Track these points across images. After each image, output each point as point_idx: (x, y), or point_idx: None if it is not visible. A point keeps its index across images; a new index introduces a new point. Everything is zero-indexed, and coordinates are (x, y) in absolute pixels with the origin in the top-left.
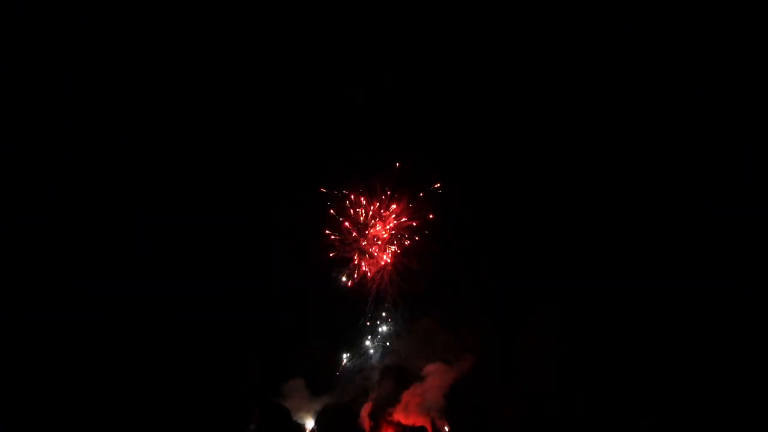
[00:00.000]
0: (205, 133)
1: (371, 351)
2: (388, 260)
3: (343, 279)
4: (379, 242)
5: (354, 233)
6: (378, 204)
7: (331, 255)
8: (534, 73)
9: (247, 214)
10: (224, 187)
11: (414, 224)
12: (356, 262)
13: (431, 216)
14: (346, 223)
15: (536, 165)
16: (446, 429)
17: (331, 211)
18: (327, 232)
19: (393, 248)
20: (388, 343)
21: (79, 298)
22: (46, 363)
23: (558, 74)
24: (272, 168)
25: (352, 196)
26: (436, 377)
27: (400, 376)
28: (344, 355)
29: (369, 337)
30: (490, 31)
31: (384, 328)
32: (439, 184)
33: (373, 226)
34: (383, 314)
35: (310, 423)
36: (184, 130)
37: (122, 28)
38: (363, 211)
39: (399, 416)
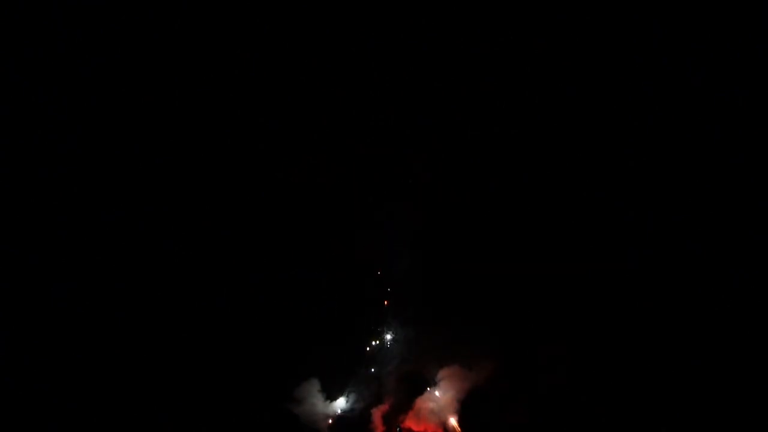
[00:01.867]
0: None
1: (387, 357)
2: None
3: None
4: None
5: None
6: None
7: None
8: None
9: (256, 212)
10: (229, 186)
11: None
12: None
13: None
14: None
15: (547, 171)
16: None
17: None
18: None
19: None
20: (404, 350)
21: (84, 297)
22: (53, 363)
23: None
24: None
25: None
26: (450, 382)
27: (415, 382)
28: (359, 362)
29: (385, 343)
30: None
31: (401, 335)
32: None
33: None
34: (400, 321)
35: (323, 428)
36: (187, 133)
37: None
38: None
39: (410, 423)
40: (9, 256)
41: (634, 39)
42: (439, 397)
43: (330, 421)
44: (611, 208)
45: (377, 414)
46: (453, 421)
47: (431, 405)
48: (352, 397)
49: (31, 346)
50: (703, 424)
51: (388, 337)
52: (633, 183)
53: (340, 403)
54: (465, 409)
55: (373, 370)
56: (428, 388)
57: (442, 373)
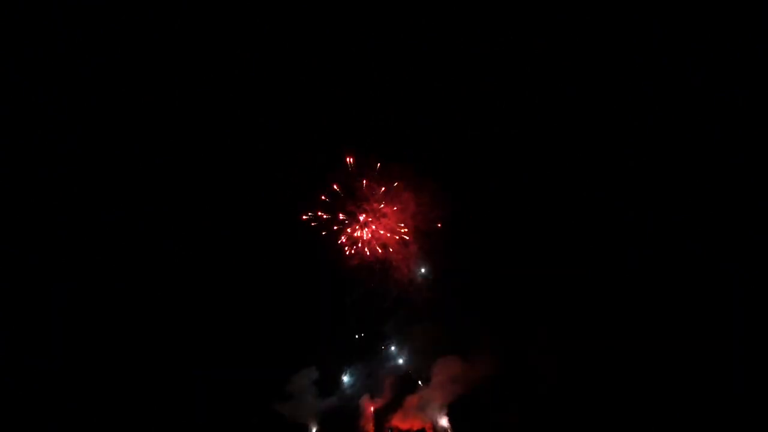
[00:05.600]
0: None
1: (382, 356)
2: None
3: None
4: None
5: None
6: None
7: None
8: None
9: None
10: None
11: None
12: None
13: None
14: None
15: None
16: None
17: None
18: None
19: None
20: (399, 349)
21: (85, 299)
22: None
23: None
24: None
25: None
26: (443, 376)
27: (407, 380)
28: (354, 360)
29: (381, 342)
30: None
31: (397, 335)
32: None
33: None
34: (396, 321)
35: (314, 425)
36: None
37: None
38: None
39: (397, 421)
40: (9, 256)
41: (634, 39)
42: (429, 394)
43: (320, 416)
44: (611, 208)
45: (368, 411)
46: (440, 417)
47: (419, 403)
48: (346, 393)
49: (29, 345)
50: (700, 424)
51: (388, 335)
52: (632, 183)
53: (333, 399)
54: (457, 406)
55: (368, 366)
56: (420, 385)
57: (436, 367)
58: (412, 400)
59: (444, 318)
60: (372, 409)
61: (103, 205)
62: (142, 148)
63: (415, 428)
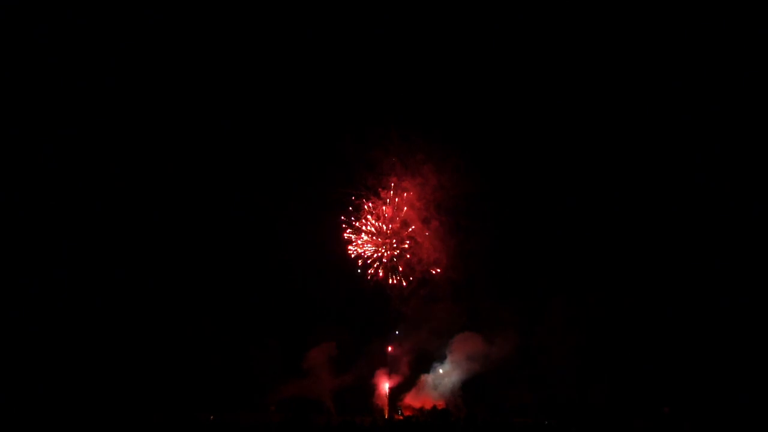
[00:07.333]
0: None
1: (399, 335)
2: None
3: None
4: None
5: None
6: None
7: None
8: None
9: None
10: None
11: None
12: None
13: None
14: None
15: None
16: (462, 408)
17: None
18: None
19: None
20: (418, 328)
21: (85, 299)
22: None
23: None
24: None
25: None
26: (458, 354)
27: (424, 359)
28: (372, 338)
29: (398, 322)
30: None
31: (416, 314)
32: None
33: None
34: (416, 300)
35: (328, 400)
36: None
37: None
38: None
39: (410, 399)
40: (9, 256)
41: (633, 39)
42: (444, 372)
43: (335, 393)
44: (634, 190)
45: (382, 389)
46: (454, 395)
47: (433, 381)
48: (361, 372)
49: (29, 344)
50: (703, 421)
51: (408, 314)
52: (633, 183)
53: (348, 376)
54: (471, 385)
55: (388, 345)
56: (435, 364)
57: (453, 344)
58: (426, 378)
59: (464, 298)
60: (387, 386)
61: (103, 204)
62: (145, 146)
63: (427, 406)
